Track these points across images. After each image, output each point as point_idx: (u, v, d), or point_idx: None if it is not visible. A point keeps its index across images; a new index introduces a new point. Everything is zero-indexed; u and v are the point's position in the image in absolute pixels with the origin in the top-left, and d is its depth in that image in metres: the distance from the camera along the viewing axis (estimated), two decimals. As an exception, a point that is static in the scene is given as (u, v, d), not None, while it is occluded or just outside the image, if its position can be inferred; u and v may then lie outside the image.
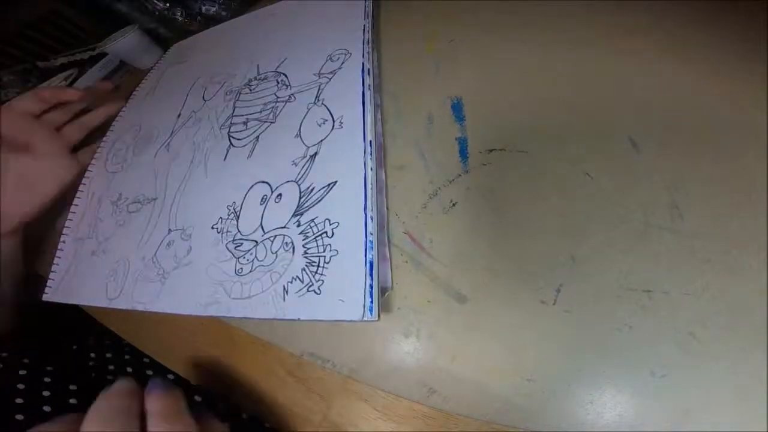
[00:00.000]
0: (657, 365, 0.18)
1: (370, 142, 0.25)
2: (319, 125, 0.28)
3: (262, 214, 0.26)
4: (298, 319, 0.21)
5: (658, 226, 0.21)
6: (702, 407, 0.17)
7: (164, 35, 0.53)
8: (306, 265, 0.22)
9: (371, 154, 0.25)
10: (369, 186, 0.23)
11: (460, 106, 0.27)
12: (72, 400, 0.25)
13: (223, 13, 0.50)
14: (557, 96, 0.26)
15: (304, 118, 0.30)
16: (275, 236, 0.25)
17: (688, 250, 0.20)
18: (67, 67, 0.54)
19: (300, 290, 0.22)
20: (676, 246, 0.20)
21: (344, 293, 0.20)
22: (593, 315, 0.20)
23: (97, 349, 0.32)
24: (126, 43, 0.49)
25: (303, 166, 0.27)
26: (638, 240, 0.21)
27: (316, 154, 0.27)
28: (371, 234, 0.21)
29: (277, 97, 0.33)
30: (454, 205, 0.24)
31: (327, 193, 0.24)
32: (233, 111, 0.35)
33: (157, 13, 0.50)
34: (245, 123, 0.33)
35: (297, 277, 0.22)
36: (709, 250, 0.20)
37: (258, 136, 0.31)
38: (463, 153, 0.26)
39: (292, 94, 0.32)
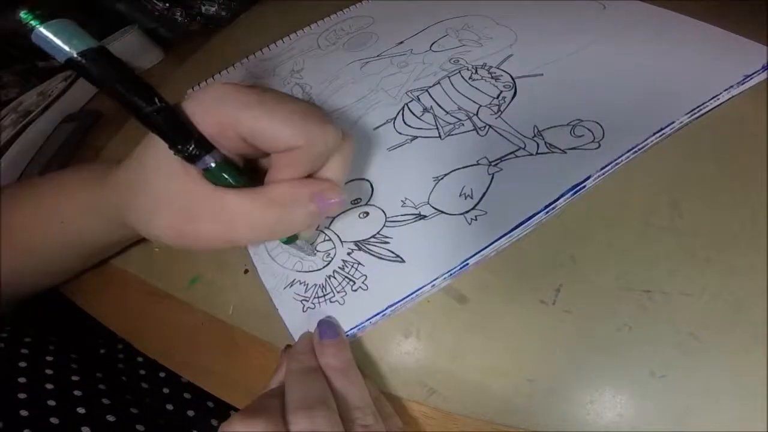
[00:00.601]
0: (657, 365, 0.18)
1: (467, 265, 0.22)
2: (459, 195, 0.24)
3: (343, 211, 0.25)
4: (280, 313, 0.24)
5: (658, 226, 0.21)
6: (702, 407, 0.17)
7: (164, 35, 0.53)
8: (321, 284, 0.24)
9: (453, 275, 0.22)
10: (414, 297, 0.22)
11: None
12: (74, 377, 0.25)
13: (223, 13, 0.50)
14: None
15: (461, 169, 0.25)
16: (330, 238, 0.25)
17: (688, 250, 0.20)
18: (66, 67, 0.54)
19: (298, 295, 0.24)
20: (676, 246, 0.20)
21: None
22: (593, 315, 0.20)
23: (109, 344, 0.32)
24: (126, 43, 0.49)
25: (405, 215, 0.24)
26: (638, 240, 0.21)
27: (424, 217, 0.24)
28: (370, 323, 0.22)
29: (474, 114, 0.27)
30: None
31: (389, 260, 0.23)
32: (432, 85, 0.30)
33: (157, 13, 0.50)
34: (423, 111, 0.28)
35: (306, 283, 0.24)
36: (709, 250, 0.20)
37: (415, 138, 0.27)
38: (464, 153, 0.26)
39: (490, 127, 0.26)
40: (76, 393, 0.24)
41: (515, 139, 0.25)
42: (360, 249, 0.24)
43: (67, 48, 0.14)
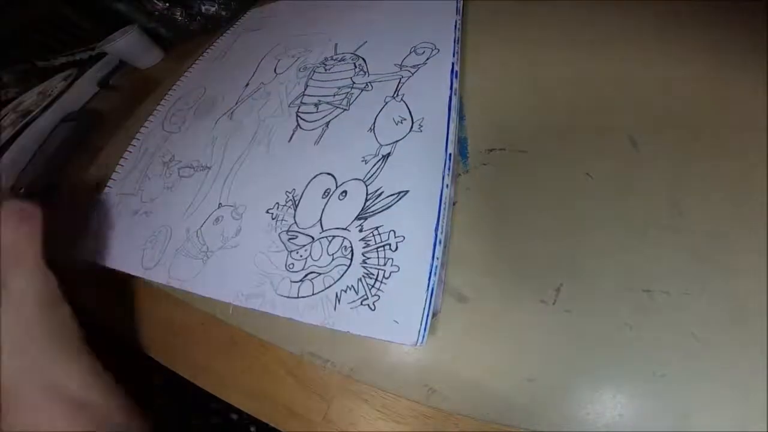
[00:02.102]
0: (657, 365, 0.18)
1: (450, 155, 0.23)
2: (396, 123, 0.26)
3: (323, 210, 0.24)
4: (348, 331, 0.20)
5: (658, 226, 0.21)
6: (702, 407, 0.17)
7: (164, 35, 0.53)
8: (363, 276, 0.21)
9: (450, 168, 0.23)
10: (444, 205, 0.21)
11: (460, 105, 0.27)
12: None
13: (223, 13, 0.50)
14: (557, 96, 0.26)
15: (380, 111, 0.27)
16: (334, 237, 0.23)
17: (688, 250, 0.20)
18: (66, 67, 0.54)
19: (353, 301, 0.21)
20: (676, 246, 0.20)
21: (400, 314, 0.20)
22: (593, 315, 0.20)
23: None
24: (125, 42, 0.49)
25: (374, 165, 0.25)
26: (638, 240, 0.21)
27: (389, 154, 0.25)
28: (437, 258, 0.20)
29: (353, 83, 0.31)
30: (453, 204, 0.24)
31: (396, 201, 0.23)
32: (305, 89, 0.33)
33: (156, 13, 0.50)
34: (316, 105, 0.31)
35: (352, 286, 0.21)
36: (709, 250, 0.20)
37: (328, 122, 0.29)
38: (463, 153, 0.26)
39: (370, 83, 0.30)
40: None
41: (393, 76, 0.29)
42: (365, 220, 0.23)
43: None
